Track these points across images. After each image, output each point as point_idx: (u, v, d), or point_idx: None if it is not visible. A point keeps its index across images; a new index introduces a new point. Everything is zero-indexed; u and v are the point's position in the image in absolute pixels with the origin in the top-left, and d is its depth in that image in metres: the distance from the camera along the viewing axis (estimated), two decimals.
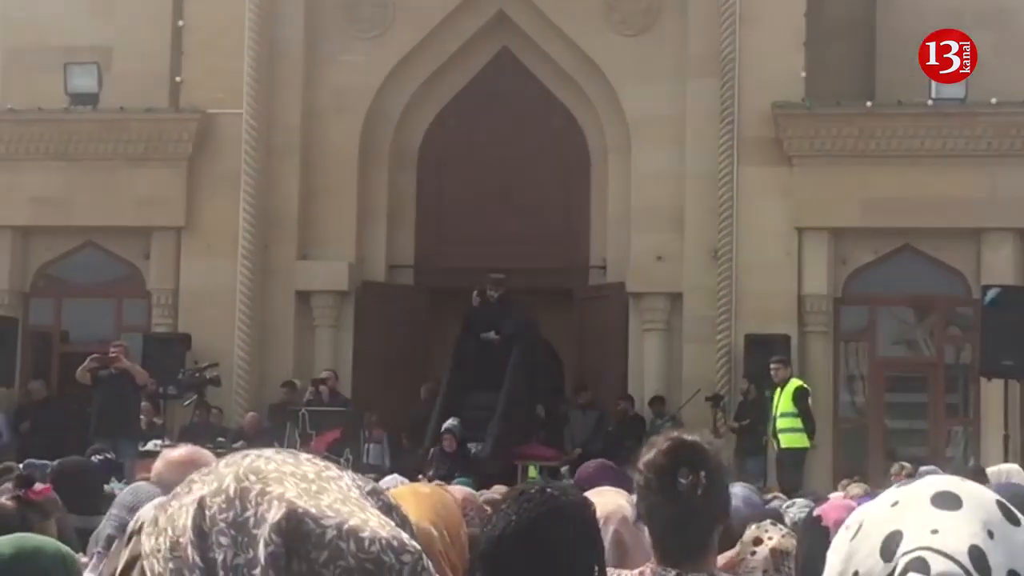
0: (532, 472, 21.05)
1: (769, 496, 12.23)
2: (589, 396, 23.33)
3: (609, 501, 4.94)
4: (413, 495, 4.32)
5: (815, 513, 5.33)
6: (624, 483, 6.55)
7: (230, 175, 23.76)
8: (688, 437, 3.66)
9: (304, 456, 1.99)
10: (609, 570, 3.84)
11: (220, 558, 1.87)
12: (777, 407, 20.32)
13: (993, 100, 22.40)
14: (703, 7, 23.37)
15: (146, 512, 2.93)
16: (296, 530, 1.85)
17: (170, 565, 1.91)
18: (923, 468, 15.21)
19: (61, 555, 3.34)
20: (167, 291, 24.13)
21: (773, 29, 22.94)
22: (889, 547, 1.91)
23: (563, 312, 24.48)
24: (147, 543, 1.96)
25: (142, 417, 20.80)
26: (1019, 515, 1.97)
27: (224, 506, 1.90)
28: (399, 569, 1.85)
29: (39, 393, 23.92)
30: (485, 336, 22.99)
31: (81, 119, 24.28)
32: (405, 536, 1.89)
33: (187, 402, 22.08)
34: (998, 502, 1.98)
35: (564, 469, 20.10)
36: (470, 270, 23.59)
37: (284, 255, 24.18)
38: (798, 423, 20.12)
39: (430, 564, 1.90)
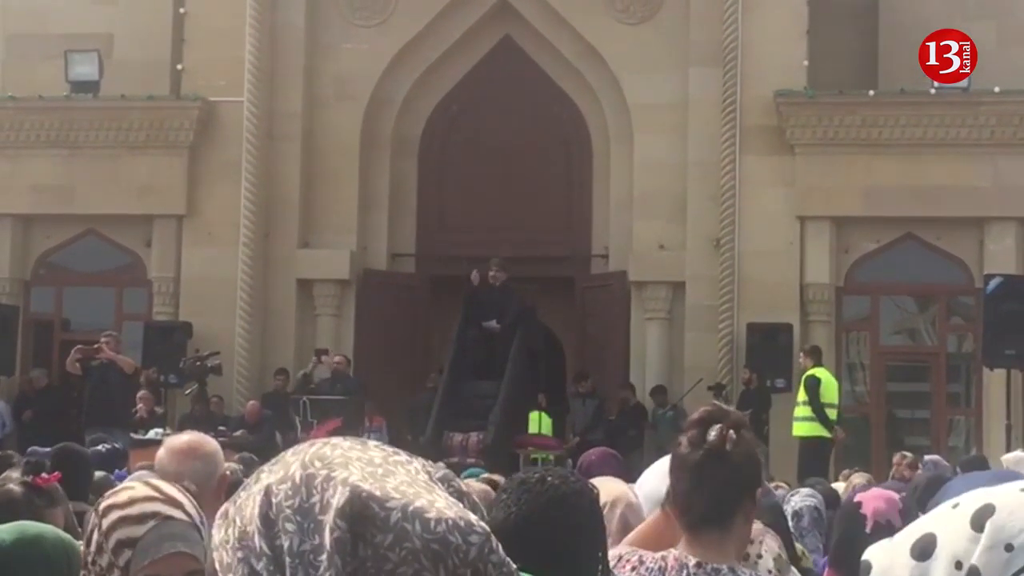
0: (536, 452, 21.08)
1: (771, 485, 12.21)
2: (589, 385, 23.29)
3: (614, 487, 4.91)
4: None
5: (855, 499, 5.31)
6: (626, 472, 6.52)
7: (231, 163, 23.73)
8: (726, 406, 3.72)
9: (373, 443, 1.98)
10: (630, 549, 3.80)
11: (287, 544, 1.87)
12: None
13: (996, 89, 22.35)
14: None
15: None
16: (361, 514, 1.84)
17: (238, 554, 1.91)
18: (927, 457, 15.21)
19: (62, 542, 3.31)
20: (168, 279, 24.11)
21: (775, 17, 22.90)
22: None
23: (565, 301, 24.46)
24: (216, 535, 1.96)
25: (141, 405, 20.77)
26: None
27: (290, 493, 1.89)
28: (466, 549, 1.84)
29: (40, 381, 23.94)
30: (487, 325, 22.95)
31: (82, 107, 24.25)
32: (473, 518, 1.88)
33: (188, 391, 22.06)
34: None
35: (569, 460, 20.06)
36: (472, 258, 23.55)
37: (285, 243, 24.16)
38: (809, 411, 20.14)
39: (499, 546, 1.89)
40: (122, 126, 24.20)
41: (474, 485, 5.98)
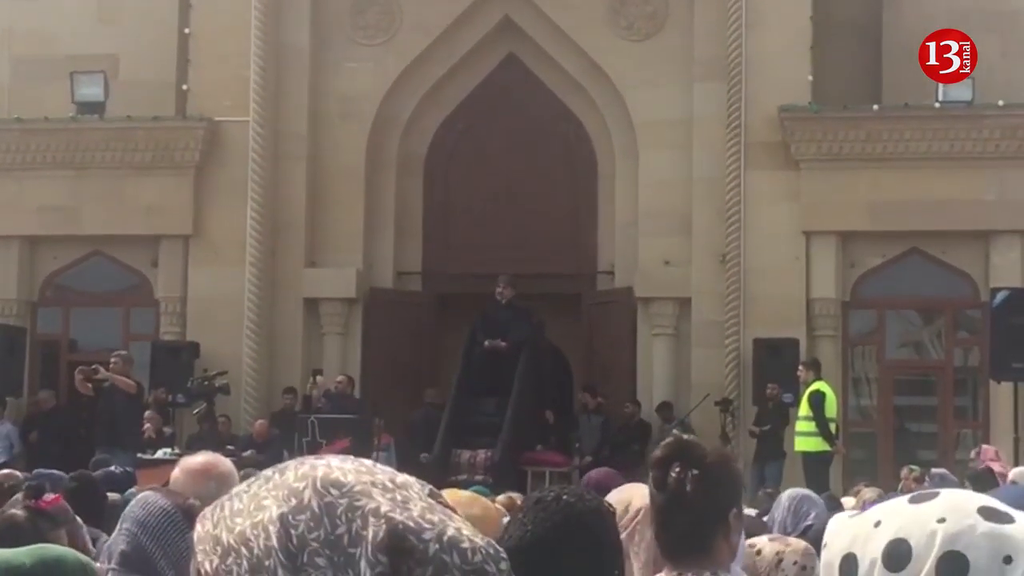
0: None
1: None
2: (597, 402, 23.30)
3: (648, 494, 4.85)
4: (451, 500, 4.29)
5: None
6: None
7: (237, 183, 23.76)
8: (688, 437, 3.72)
9: (367, 461, 1.94)
10: None
11: None
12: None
13: (1000, 102, 22.37)
14: (709, 12, 23.35)
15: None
16: (399, 547, 1.82)
17: None
18: (934, 471, 15.21)
19: (82, 565, 3.32)
20: (175, 299, 24.13)
21: (779, 33, 22.92)
22: None
23: (571, 317, 24.46)
24: (207, 562, 1.88)
25: (148, 426, 20.76)
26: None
27: (312, 524, 1.84)
28: None
29: (48, 402, 23.90)
30: (490, 344, 22.94)
31: (88, 128, 24.28)
32: (494, 542, 1.88)
33: (196, 410, 22.06)
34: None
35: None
36: (478, 276, 23.59)
37: (292, 262, 24.18)
38: (813, 427, 20.08)
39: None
40: (128, 147, 24.23)
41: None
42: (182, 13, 24.71)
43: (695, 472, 3.54)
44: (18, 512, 5.16)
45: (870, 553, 2.02)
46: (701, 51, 23.43)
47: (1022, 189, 22.32)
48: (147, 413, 21.03)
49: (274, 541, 1.84)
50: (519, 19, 24.77)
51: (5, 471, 10.69)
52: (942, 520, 1.98)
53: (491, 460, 21.55)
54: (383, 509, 1.85)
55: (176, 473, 5.22)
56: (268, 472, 1.95)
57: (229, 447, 19.81)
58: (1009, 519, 1.97)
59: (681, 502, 3.54)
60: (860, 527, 2.06)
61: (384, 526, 1.83)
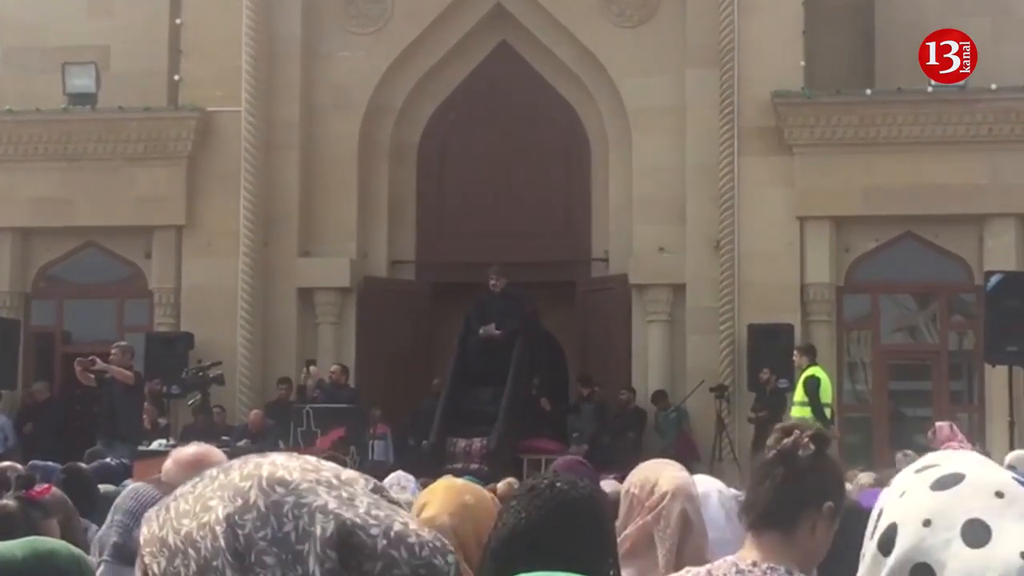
0: None
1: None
2: (591, 390, 23.29)
3: (675, 476, 4.76)
4: (444, 489, 4.31)
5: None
6: (595, 480, 6.37)
7: (230, 173, 23.73)
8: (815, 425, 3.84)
9: (311, 459, 1.94)
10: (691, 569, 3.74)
11: None
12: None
13: (993, 86, 22.35)
14: None
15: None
16: (347, 543, 1.82)
17: None
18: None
19: (75, 557, 3.31)
20: (169, 290, 24.11)
21: (772, 18, 22.90)
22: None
23: (566, 305, 24.46)
24: (155, 564, 1.87)
25: (144, 417, 20.73)
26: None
27: (259, 523, 1.84)
28: (447, 571, 1.85)
29: (42, 394, 23.90)
30: (484, 331, 22.91)
31: (80, 119, 24.25)
32: (440, 536, 1.89)
33: (191, 401, 22.05)
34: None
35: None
36: (472, 264, 23.57)
37: (285, 252, 24.16)
38: (808, 412, 20.07)
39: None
40: (120, 138, 24.20)
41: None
42: (173, 3, 24.70)
43: (812, 443, 3.58)
44: (10, 502, 5.16)
45: (881, 522, 2.05)
46: (694, 37, 23.40)
47: (1015, 172, 22.33)
48: (143, 405, 20.99)
49: (221, 542, 1.84)
50: (511, 6, 24.74)
51: (5, 463, 10.68)
52: (927, 523, 1.98)
53: (487, 448, 21.55)
54: (330, 506, 1.85)
55: (168, 464, 5.22)
56: (213, 472, 1.95)
57: (224, 438, 19.79)
58: (986, 540, 1.96)
59: (787, 460, 3.56)
60: (891, 491, 2.09)
61: (332, 522, 1.83)
